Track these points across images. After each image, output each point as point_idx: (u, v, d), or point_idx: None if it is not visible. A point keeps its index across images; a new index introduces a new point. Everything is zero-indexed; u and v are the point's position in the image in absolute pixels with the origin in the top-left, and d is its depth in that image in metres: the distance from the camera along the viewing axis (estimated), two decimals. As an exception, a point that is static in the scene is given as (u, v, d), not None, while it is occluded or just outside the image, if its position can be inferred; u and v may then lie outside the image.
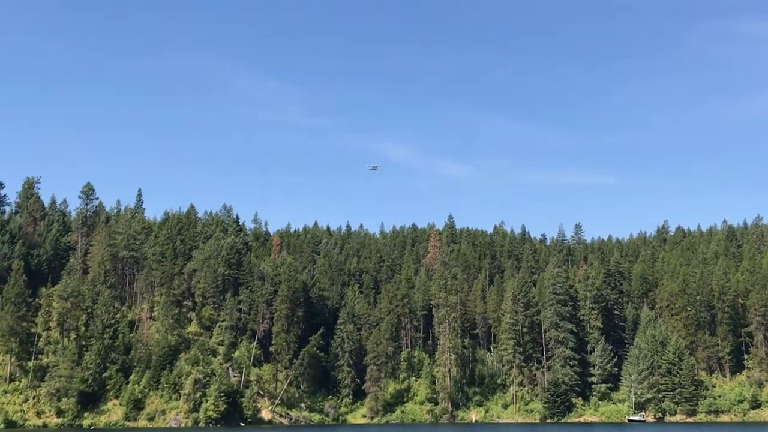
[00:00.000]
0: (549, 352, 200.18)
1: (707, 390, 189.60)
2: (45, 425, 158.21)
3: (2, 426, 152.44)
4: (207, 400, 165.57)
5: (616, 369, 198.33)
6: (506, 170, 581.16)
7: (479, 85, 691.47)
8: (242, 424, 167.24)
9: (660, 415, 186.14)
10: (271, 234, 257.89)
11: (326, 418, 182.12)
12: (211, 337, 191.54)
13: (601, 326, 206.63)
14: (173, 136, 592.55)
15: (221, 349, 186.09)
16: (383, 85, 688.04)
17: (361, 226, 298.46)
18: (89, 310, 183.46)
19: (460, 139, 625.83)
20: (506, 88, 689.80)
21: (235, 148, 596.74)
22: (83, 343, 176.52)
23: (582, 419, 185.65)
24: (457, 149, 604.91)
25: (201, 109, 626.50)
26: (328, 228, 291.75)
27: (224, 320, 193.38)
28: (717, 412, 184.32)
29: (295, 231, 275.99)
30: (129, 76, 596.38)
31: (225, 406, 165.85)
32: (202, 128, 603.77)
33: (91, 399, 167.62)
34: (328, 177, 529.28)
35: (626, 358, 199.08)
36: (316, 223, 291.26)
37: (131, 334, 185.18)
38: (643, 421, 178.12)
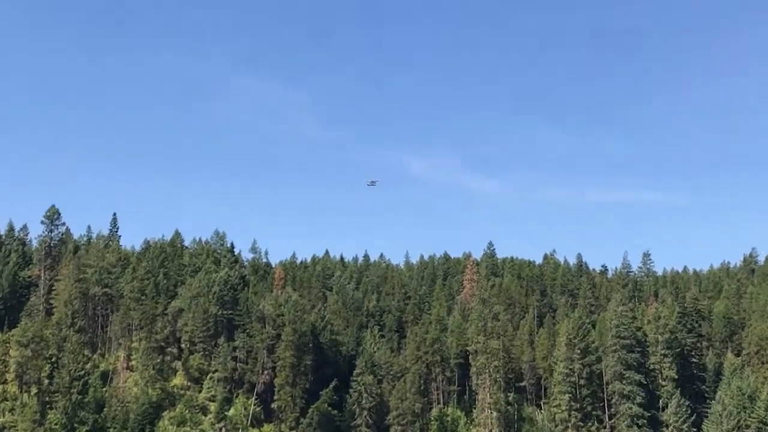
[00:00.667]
0: (612, 409, 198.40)
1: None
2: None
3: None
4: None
5: (695, 429, 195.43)
6: (555, 186, 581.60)
7: (515, 86, 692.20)
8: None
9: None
10: (273, 266, 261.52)
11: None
12: (200, 392, 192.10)
13: (676, 377, 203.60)
14: (155, 150, 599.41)
15: (213, 406, 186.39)
16: (402, 89, 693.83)
17: (381, 255, 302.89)
18: (54, 359, 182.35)
19: (498, 148, 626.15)
20: (548, 89, 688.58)
21: (230, 163, 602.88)
22: (47, 398, 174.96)
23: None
24: (495, 161, 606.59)
25: (189, 118, 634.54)
26: (342, 258, 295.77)
27: (216, 371, 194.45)
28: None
29: (301, 262, 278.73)
30: (101, 79, 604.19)
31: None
32: (189, 141, 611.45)
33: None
34: (340, 197, 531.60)
35: (707, 416, 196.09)
36: (327, 253, 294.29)
37: (104, 388, 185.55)
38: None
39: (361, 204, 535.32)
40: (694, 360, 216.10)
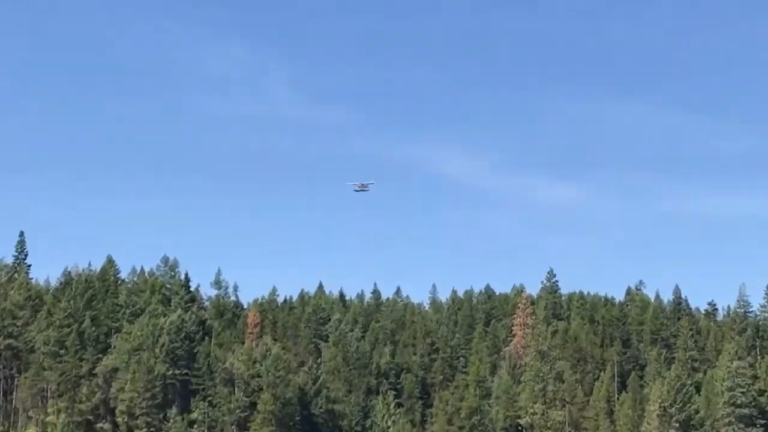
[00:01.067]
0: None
1: None
2: None
3: None
4: None
5: None
6: (642, 192, 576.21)
7: (589, 53, 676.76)
8: None
9: None
10: (245, 307, 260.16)
11: None
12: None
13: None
14: (76, 151, 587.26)
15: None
16: (423, 54, 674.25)
17: (397, 291, 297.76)
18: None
19: (564, 141, 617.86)
20: (639, 57, 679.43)
21: (183, 159, 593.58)
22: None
23: None
24: (558, 159, 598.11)
25: (129, 95, 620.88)
26: (342, 296, 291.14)
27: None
28: None
29: (285, 301, 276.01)
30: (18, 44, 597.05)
31: None
32: (127, 127, 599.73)
33: None
34: (337, 209, 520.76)
35: None
36: (321, 288, 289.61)
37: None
38: None
39: (368, 219, 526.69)
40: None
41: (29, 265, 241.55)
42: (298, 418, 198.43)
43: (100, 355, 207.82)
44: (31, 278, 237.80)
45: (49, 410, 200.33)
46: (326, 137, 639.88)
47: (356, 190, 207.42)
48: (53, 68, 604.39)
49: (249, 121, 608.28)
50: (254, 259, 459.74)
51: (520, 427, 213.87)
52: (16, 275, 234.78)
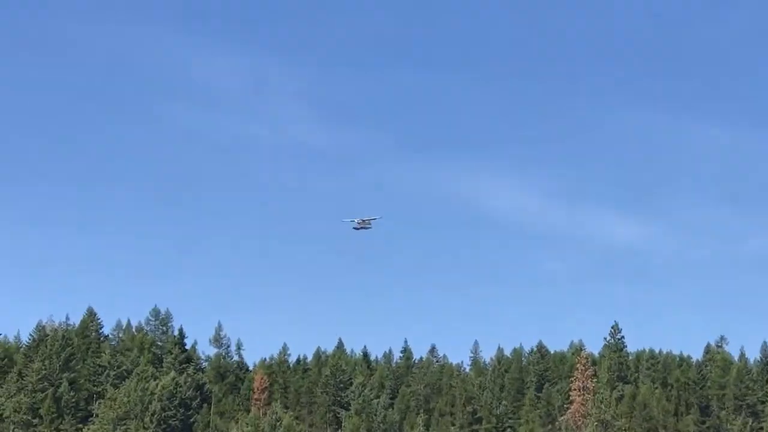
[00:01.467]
0: None
1: None
2: None
3: None
4: None
5: None
6: (725, 232, 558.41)
7: (665, 64, 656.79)
8: None
9: None
10: (251, 368, 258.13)
11: None
12: None
13: None
14: (53, 166, 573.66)
15: None
16: (460, 63, 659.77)
17: (432, 350, 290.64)
18: None
19: (632, 168, 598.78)
20: (724, 69, 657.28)
21: (175, 190, 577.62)
22: None
23: None
24: (624, 190, 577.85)
25: (111, 115, 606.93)
26: (366, 355, 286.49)
27: None
28: None
29: (298, 362, 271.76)
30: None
31: None
32: (108, 150, 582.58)
33: None
34: (360, 250, 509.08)
35: None
36: (340, 346, 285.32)
37: None
38: None
39: (397, 264, 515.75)
40: None
41: None
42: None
43: (80, 425, 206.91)
44: None
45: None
46: (345, 164, 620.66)
47: (356, 228, 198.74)
48: (31, 89, 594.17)
49: (251, 143, 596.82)
50: (260, 312, 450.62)
51: None
52: None
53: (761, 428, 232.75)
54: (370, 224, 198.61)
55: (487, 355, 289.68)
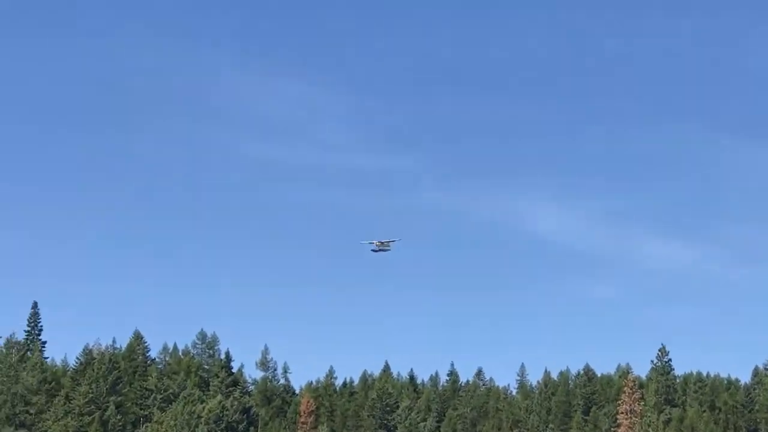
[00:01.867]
0: None
1: None
2: None
3: None
4: None
5: None
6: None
7: (718, 83, 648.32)
8: None
9: None
10: (297, 392, 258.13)
11: None
12: None
13: None
14: (98, 192, 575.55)
15: None
16: (503, 83, 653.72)
17: (479, 373, 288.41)
18: None
19: (680, 189, 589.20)
20: None
21: (219, 213, 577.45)
22: None
23: None
24: (672, 212, 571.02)
25: (156, 137, 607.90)
26: (413, 378, 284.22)
27: None
28: None
29: (344, 385, 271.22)
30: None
31: None
32: (152, 174, 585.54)
33: None
34: (404, 273, 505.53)
35: None
36: (386, 369, 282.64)
37: None
38: None
39: (444, 287, 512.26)
40: None
41: (44, 342, 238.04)
42: None
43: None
44: (47, 357, 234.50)
45: None
46: (386, 187, 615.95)
47: (374, 251, 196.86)
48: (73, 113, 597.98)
49: (296, 169, 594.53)
50: (307, 336, 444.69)
51: None
52: (28, 354, 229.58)
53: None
54: (389, 246, 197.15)
55: (534, 378, 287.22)
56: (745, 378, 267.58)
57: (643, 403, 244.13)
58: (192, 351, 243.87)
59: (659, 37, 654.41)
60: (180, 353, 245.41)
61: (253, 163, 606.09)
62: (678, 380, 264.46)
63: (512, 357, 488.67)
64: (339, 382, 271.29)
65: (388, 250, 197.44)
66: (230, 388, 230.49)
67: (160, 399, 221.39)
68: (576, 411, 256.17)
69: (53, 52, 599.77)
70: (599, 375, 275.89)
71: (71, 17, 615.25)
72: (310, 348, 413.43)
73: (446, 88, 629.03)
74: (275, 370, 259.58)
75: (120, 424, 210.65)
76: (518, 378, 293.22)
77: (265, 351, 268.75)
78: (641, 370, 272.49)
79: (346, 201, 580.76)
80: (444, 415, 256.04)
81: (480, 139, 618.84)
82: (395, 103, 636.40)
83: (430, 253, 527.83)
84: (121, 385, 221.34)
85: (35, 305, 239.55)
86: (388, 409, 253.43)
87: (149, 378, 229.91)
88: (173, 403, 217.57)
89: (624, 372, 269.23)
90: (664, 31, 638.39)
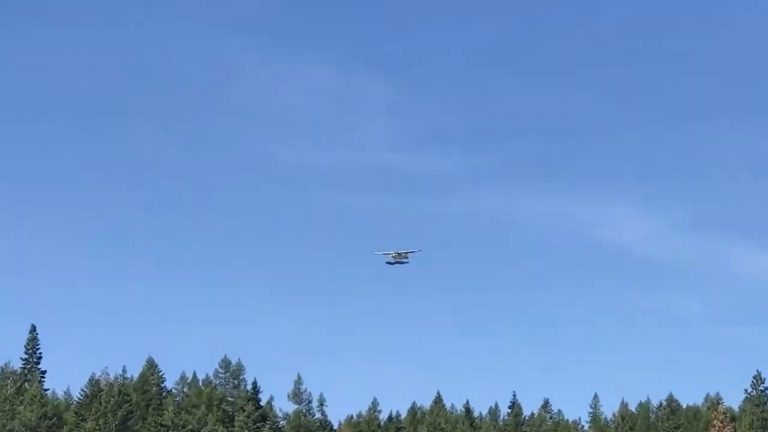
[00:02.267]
0: None
1: None
2: None
3: None
4: None
5: None
6: None
7: None
8: None
9: None
10: (335, 426, 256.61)
11: None
12: None
13: None
14: (105, 199, 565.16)
15: None
16: (569, 75, 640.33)
17: (545, 404, 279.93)
18: None
19: None
20: None
21: (245, 223, 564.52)
22: None
23: None
24: (765, 219, 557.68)
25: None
26: (469, 411, 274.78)
27: None
28: None
29: (390, 419, 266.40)
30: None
31: None
32: (171, 181, 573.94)
33: None
34: (458, 289, 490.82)
35: None
36: (438, 400, 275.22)
37: None
38: None
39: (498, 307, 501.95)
40: None
41: (44, 372, 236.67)
42: None
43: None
44: (47, 389, 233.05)
45: None
46: (437, 191, 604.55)
47: (390, 263, 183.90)
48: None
49: (330, 171, 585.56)
50: (345, 363, 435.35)
51: None
52: (26, 385, 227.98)
53: None
54: (407, 258, 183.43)
55: (609, 410, 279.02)
56: None
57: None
58: (214, 381, 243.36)
59: (732, 36, 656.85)
60: (200, 383, 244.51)
61: (289, 169, 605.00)
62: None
63: (584, 385, 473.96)
64: (384, 416, 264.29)
65: (407, 262, 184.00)
66: (258, 424, 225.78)
67: None
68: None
69: (53, 52, 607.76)
70: (684, 406, 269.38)
71: (71, 17, 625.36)
72: (349, 377, 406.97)
73: (504, 82, 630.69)
74: (310, 402, 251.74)
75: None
76: (591, 410, 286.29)
77: (298, 380, 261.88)
78: (733, 400, 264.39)
79: (383, 204, 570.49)
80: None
81: (542, 137, 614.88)
82: (439, 97, 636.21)
83: (481, 262, 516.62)
84: (132, 420, 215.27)
85: (33, 329, 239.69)
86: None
87: (165, 412, 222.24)
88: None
89: (713, 403, 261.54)
90: (734, 30, 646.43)
